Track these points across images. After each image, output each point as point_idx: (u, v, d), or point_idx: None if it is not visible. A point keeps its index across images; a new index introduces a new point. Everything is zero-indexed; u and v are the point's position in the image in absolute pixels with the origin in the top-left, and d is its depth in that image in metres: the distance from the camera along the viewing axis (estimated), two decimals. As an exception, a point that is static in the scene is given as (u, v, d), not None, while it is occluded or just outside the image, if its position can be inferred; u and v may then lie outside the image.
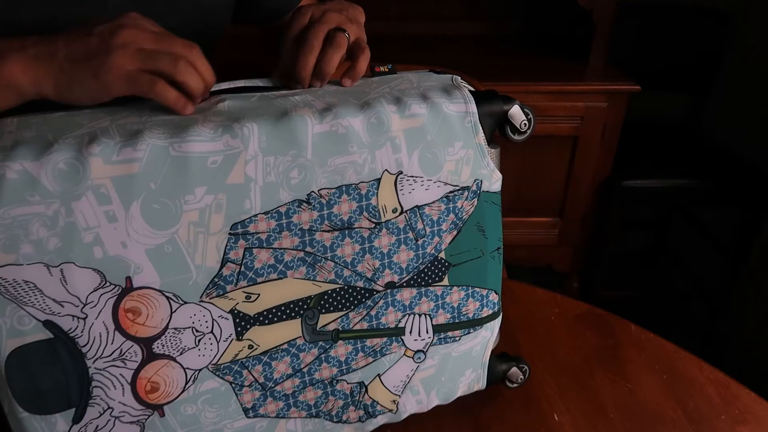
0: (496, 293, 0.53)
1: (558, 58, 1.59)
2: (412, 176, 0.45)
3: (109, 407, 0.41)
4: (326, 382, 0.48)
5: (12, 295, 0.36)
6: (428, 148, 0.45)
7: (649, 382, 0.61)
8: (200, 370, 0.43)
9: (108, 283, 0.38)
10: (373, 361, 0.49)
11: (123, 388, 0.40)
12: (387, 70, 0.51)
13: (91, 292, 0.38)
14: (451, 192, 0.47)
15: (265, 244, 0.42)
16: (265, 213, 0.41)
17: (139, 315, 0.39)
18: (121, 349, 0.40)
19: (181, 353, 0.41)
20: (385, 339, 0.49)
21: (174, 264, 0.39)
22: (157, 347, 0.41)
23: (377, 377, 0.50)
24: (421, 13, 1.75)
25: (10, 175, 0.35)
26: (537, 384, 0.60)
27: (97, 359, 0.39)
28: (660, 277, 1.97)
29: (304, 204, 0.42)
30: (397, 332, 0.49)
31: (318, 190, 0.42)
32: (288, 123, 0.41)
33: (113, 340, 0.39)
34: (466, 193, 0.48)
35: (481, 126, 0.47)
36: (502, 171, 0.50)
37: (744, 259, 1.51)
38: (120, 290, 0.38)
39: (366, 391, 0.50)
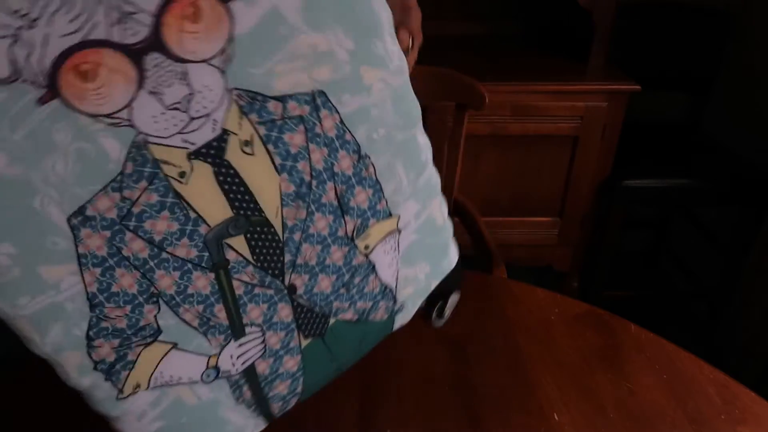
0: None
1: (558, 58, 1.59)
2: None
3: None
4: None
5: None
6: None
7: (649, 381, 0.61)
8: None
9: None
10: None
11: None
12: None
13: None
14: None
15: None
16: None
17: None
18: None
19: None
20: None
21: None
22: None
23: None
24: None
25: None
26: (537, 384, 0.60)
27: None
28: (660, 277, 1.97)
29: None
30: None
31: None
32: None
33: None
34: None
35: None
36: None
37: (744, 259, 1.51)
38: None
39: None
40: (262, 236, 0.40)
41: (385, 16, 0.41)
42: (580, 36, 1.54)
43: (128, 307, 0.37)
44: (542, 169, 1.53)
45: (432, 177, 0.49)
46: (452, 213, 0.51)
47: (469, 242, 1.05)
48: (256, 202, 0.39)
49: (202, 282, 0.39)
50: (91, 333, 0.36)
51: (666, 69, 1.72)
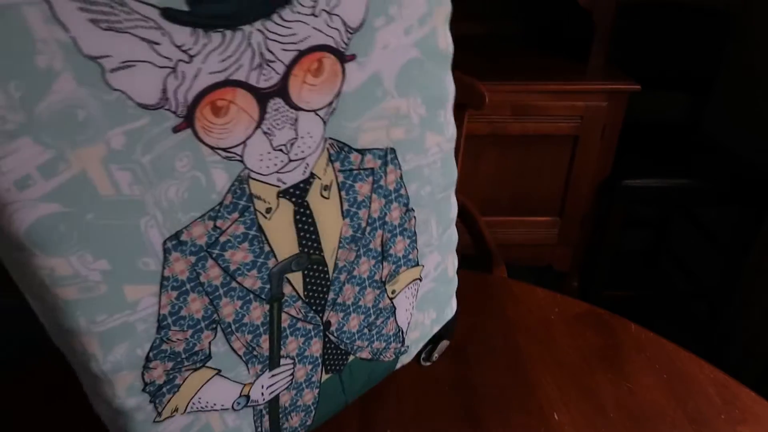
0: None
1: (558, 58, 1.59)
2: None
3: None
4: None
5: None
6: None
7: (649, 381, 0.61)
8: None
9: None
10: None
11: None
12: None
13: None
14: None
15: None
16: None
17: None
18: None
19: None
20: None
21: None
22: None
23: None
24: (421, 12, 1.75)
25: None
26: (537, 384, 0.60)
27: None
28: (660, 277, 1.97)
29: None
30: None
31: None
32: None
33: None
34: None
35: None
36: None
37: (744, 259, 1.51)
38: None
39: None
40: (317, 274, 0.43)
41: (451, 91, 0.46)
42: (580, 36, 1.54)
43: (190, 332, 0.39)
44: (542, 168, 1.53)
45: (453, 234, 0.54)
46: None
47: (469, 242, 1.05)
48: (319, 242, 0.42)
49: (257, 312, 0.41)
50: (150, 354, 0.37)
51: (666, 69, 1.72)
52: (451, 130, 0.48)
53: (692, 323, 1.75)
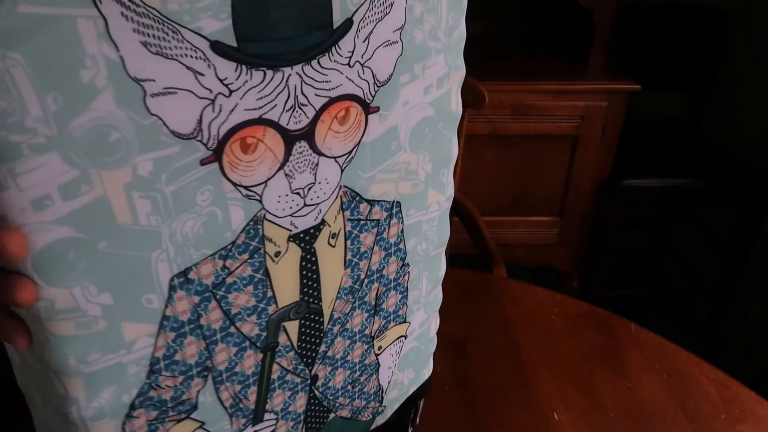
0: None
1: (558, 57, 1.59)
2: None
3: None
4: None
5: None
6: None
7: (649, 381, 0.61)
8: None
9: None
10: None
11: None
12: None
13: None
14: None
15: None
16: None
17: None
18: None
19: None
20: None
21: None
22: None
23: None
24: (421, 12, 1.75)
25: None
26: (537, 383, 0.60)
27: None
28: (660, 277, 1.97)
29: None
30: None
31: None
32: None
33: None
34: None
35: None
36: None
37: (744, 259, 1.51)
38: None
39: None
40: (312, 324, 0.43)
41: (455, 153, 0.47)
42: (580, 36, 1.54)
43: (181, 378, 0.37)
44: (542, 168, 1.53)
45: (439, 293, 0.53)
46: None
47: (469, 242, 1.05)
48: (319, 291, 0.42)
49: (250, 362, 0.40)
50: (136, 401, 0.36)
51: (666, 69, 1.72)
52: (450, 191, 0.49)
53: (692, 323, 1.75)
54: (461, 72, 0.43)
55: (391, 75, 0.38)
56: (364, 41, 0.36)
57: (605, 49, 1.50)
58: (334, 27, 0.34)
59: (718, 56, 1.69)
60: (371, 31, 0.36)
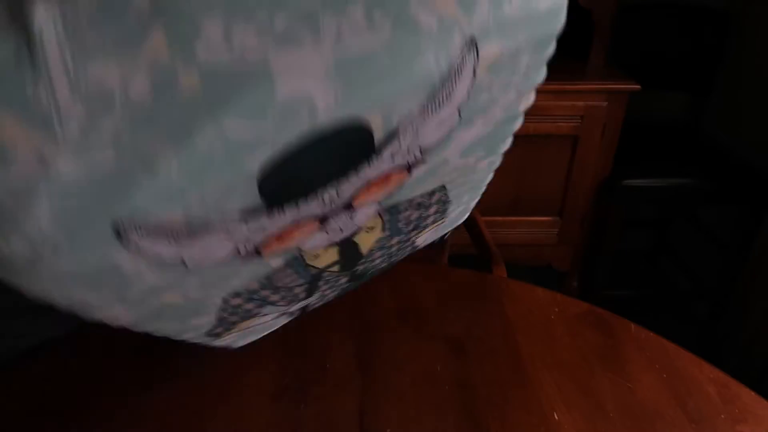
0: None
1: (558, 57, 1.59)
2: None
3: None
4: None
5: None
6: None
7: (649, 381, 0.61)
8: None
9: None
10: None
11: None
12: None
13: None
14: None
15: None
16: None
17: None
18: None
19: None
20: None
21: None
22: None
23: None
24: (421, 12, 1.75)
25: None
26: (537, 383, 0.60)
27: None
28: (660, 277, 1.97)
29: None
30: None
31: None
32: None
33: None
34: None
35: None
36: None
37: (744, 259, 1.51)
38: None
39: None
40: (351, 254, 0.46)
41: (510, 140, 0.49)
42: (580, 35, 1.54)
43: None
44: (542, 168, 1.53)
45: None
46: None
47: (469, 242, 1.05)
48: (358, 249, 0.45)
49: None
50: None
51: (666, 69, 1.72)
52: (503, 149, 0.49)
53: (692, 323, 1.75)
54: (532, 96, 0.43)
55: (443, 138, 0.36)
56: (409, 138, 0.33)
57: (605, 49, 1.50)
58: (377, 147, 0.32)
59: (718, 56, 1.69)
60: (418, 128, 0.33)
